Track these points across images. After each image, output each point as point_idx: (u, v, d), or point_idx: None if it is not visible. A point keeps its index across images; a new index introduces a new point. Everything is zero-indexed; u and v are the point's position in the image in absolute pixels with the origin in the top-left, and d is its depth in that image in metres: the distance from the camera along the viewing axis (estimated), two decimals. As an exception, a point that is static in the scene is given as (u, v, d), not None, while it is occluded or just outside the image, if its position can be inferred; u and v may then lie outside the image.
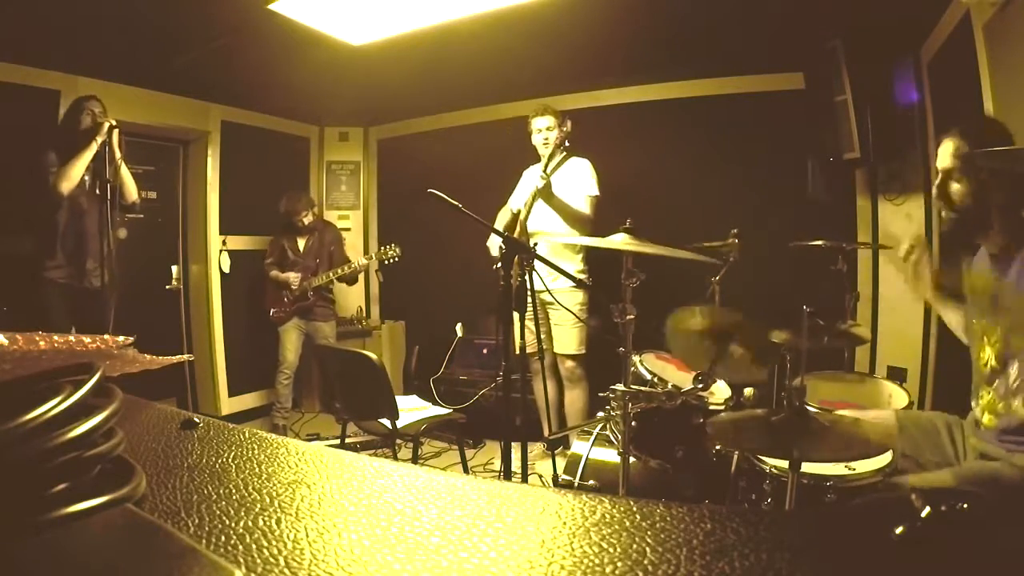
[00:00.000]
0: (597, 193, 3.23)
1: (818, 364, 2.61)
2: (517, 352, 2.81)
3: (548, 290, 2.96)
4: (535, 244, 3.00)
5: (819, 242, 2.67)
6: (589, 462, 2.10)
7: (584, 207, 3.19)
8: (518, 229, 3.17)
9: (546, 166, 3.14)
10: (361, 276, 5.14)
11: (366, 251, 5.02)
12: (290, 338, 4.23)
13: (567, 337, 3.30)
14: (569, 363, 3.32)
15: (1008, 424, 1.58)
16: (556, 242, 3.26)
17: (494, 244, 3.29)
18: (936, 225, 3.20)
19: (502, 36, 3.22)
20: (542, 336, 3.34)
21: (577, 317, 3.14)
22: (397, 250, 4.08)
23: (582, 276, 3.22)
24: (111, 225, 2.85)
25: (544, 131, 3.29)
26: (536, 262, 2.52)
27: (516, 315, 3.23)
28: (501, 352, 2.02)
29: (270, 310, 4.20)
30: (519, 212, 3.27)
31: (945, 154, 1.66)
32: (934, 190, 1.70)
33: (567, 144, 3.26)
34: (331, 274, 4.13)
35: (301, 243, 4.26)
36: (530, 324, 3.32)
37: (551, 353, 3.36)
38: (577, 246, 3.30)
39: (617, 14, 3.11)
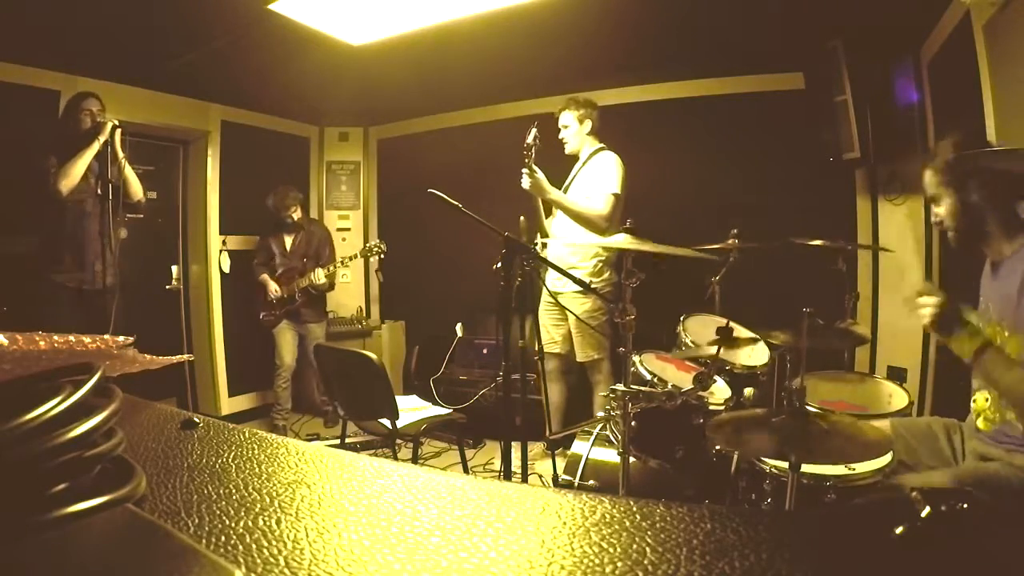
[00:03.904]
0: (616, 191, 3.07)
1: (818, 364, 2.61)
2: (536, 353, 2.79)
3: (562, 293, 2.94)
4: (544, 244, 2.98)
5: (818, 242, 2.67)
6: (589, 462, 2.10)
7: (596, 203, 3.06)
8: (538, 229, 3.15)
9: (529, 164, 2.94)
10: (361, 276, 5.16)
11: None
12: (285, 340, 4.22)
13: (579, 342, 3.25)
14: (588, 370, 3.28)
15: (1005, 428, 1.58)
16: (570, 244, 3.20)
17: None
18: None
19: (502, 36, 3.22)
20: (558, 338, 3.33)
21: (586, 323, 3.08)
22: (382, 245, 4.10)
23: (594, 280, 3.09)
24: (114, 225, 2.86)
25: (562, 130, 3.25)
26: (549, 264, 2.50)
27: (539, 316, 3.19)
28: (501, 352, 2.01)
29: (260, 314, 4.20)
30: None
31: (926, 183, 1.72)
32: (933, 218, 1.76)
33: (591, 141, 3.21)
34: (320, 273, 4.10)
35: (288, 242, 4.25)
36: (548, 325, 3.31)
37: (560, 356, 3.36)
38: (590, 250, 3.20)
39: (617, 14, 3.11)
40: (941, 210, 1.69)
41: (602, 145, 3.26)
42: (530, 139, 2.84)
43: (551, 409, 3.32)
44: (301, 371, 4.42)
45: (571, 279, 2.45)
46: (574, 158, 3.30)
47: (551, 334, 3.32)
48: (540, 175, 2.98)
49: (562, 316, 3.28)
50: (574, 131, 3.22)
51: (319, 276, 4.09)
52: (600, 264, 3.19)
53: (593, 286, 2.89)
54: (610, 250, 3.12)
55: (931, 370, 3.11)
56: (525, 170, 2.96)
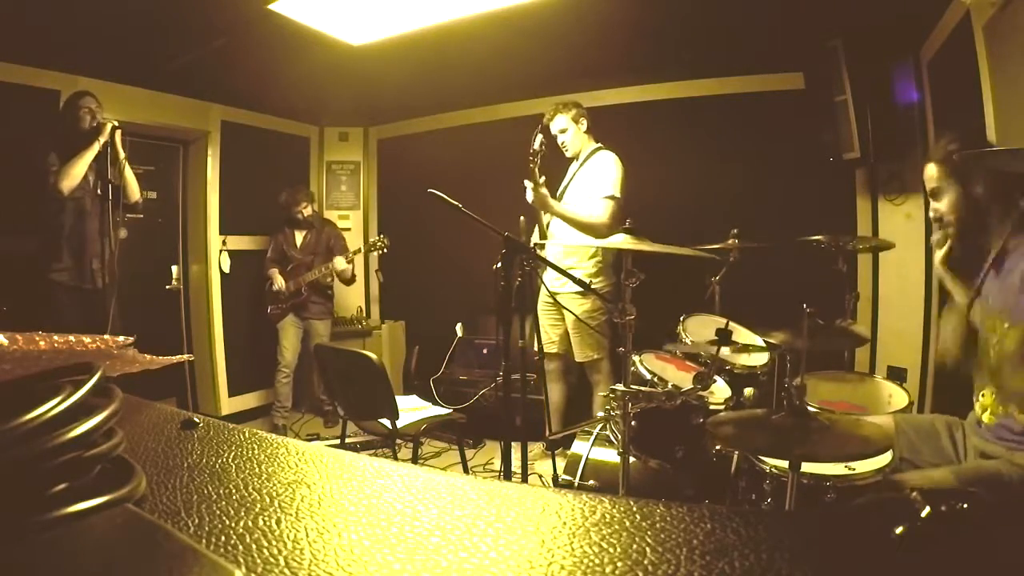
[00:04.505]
0: (614, 194, 3.02)
1: (818, 364, 2.61)
2: (537, 353, 2.79)
3: (560, 293, 2.91)
4: (543, 246, 2.96)
5: (818, 237, 2.67)
6: (589, 462, 2.10)
7: (596, 210, 3.00)
8: (537, 232, 3.14)
9: (534, 171, 2.90)
10: (361, 276, 5.16)
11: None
12: (288, 336, 4.24)
13: (578, 342, 3.24)
14: (587, 369, 3.27)
15: (1006, 424, 1.59)
16: (568, 245, 3.20)
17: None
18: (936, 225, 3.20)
19: (502, 36, 3.21)
20: (555, 338, 3.32)
21: (585, 323, 3.06)
22: (386, 240, 4.16)
23: (593, 281, 3.05)
24: (113, 225, 2.86)
25: (559, 135, 3.19)
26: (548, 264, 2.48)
27: (539, 316, 3.19)
28: (501, 352, 2.01)
29: (268, 307, 4.24)
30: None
31: (927, 177, 1.72)
32: (930, 212, 1.76)
33: (588, 141, 3.19)
34: (322, 269, 4.14)
35: (299, 238, 4.29)
36: (545, 325, 3.31)
37: (560, 356, 3.35)
38: (589, 251, 3.17)
39: (617, 14, 3.10)
40: (942, 205, 1.69)
41: (599, 144, 3.25)
42: (536, 145, 2.80)
43: (551, 409, 3.31)
44: (302, 368, 4.44)
45: (571, 279, 2.44)
46: (571, 157, 3.29)
47: (549, 334, 3.31)
48: (544, 191, 2.95)
49: (559, 316, 3.26)
50: (573, 133, 3.20)
51: (340, 263, 4.12)
52: (600, 265, 3.18)
53: (593, 286, 2.87)
54: (609, 252, 3.10)
55: (931, 370, 3.11)
56: (529, 183, 2.93)
